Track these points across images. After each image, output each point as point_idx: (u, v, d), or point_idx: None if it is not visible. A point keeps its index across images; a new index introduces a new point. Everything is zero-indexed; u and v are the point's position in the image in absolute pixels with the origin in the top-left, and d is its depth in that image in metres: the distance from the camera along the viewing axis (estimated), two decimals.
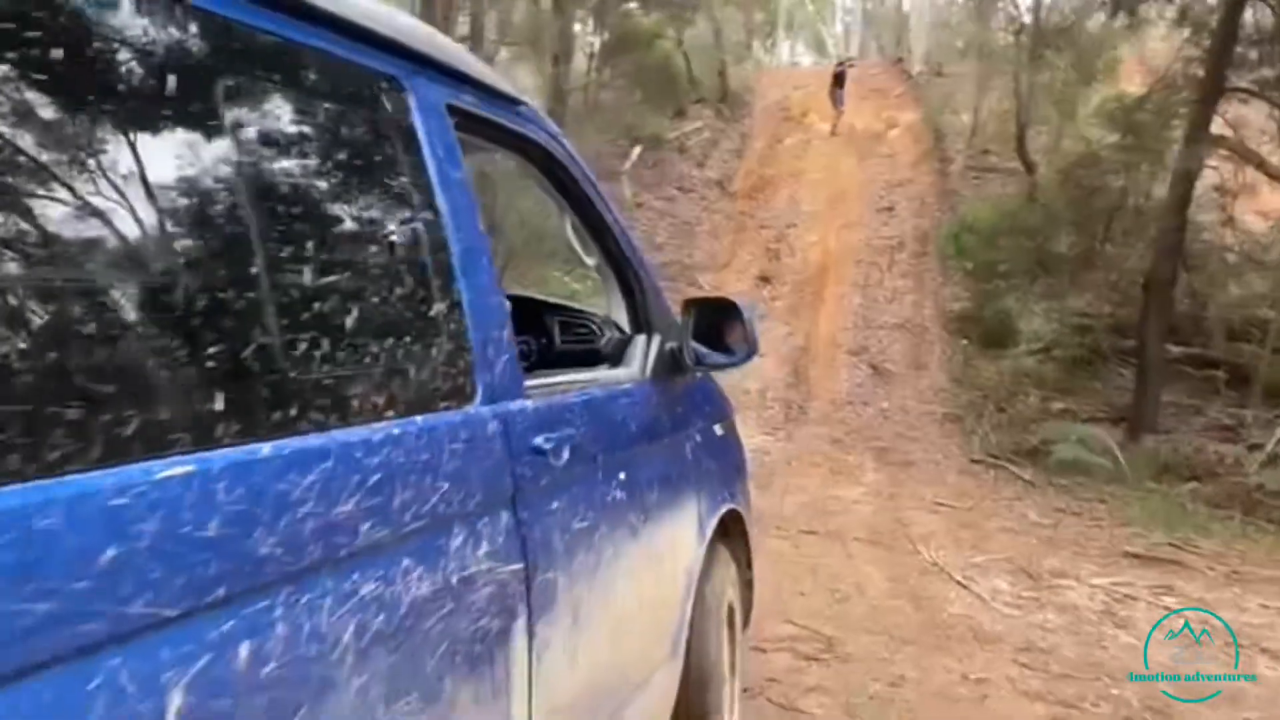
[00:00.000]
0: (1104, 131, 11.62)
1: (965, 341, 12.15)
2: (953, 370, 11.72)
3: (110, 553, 0.91)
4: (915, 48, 27.35)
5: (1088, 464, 8.71)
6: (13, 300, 0.91)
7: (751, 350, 2.72)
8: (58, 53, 0.99)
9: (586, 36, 18.83)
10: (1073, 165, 11.41)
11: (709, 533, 2.74)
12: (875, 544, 6.26)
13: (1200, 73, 10.16)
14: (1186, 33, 11.29)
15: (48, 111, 0.99)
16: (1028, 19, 15.60)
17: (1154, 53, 13.80)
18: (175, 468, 1.00)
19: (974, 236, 11.91)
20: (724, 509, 2.87)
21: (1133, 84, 13.77)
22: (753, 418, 9.75)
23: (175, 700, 0.95)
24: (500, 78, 2.07)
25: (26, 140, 0.95)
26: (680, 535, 2.57)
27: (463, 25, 11.73)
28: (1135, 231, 10.81)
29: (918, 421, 10.44)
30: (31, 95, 0.96)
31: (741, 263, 15.06)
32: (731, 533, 2.98)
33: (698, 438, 2.75)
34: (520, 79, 20.46)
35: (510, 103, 2.06)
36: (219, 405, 1.09)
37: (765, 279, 14.49)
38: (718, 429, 2.96)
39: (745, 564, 3.15)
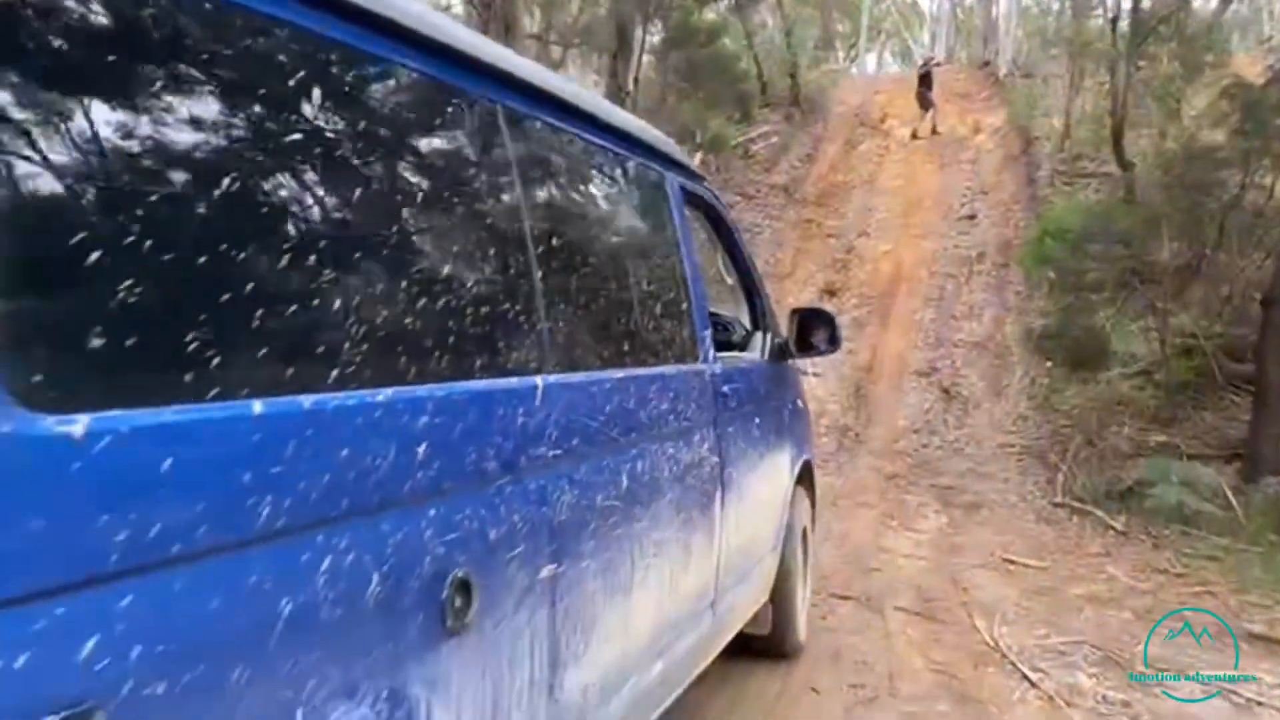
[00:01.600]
0: (1214, 126, 10.09)
1: (1050, 363, 10.68)
2: (1035, 395, 10.29)
3: (607, 407, 2.25)
4: (1003, 50, 25.82)
5: (1193, 511, 7.26)
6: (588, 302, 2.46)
7: (835, 346, 4.13)
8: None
9: (648, 34, 17.76)
10: (1180, 158, 9.86)
11: (796, 472, 4.12)
12: (923, 615, 5.06)
13: None
14: None
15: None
16: (1126, 4, 14.02)
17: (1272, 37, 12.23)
18: (619, 373, 2.39)
19: (1060, 244, 10.40)
20: (803, 458, 4.23)
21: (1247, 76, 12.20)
22: None
23: (625, 481, 2.27)
24: (695, 164, 3.81)
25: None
26: (782, 469, 3.94)
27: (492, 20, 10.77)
28: (1253, 237, 9.27)
29: (992, 455, 9.10)
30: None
31: (806, 273, 13.84)
32: (803, 478, 4.26)
33: (790, 405, 4.12)
34: (580, 79, 19.62)
35: (700, 179, 3.60)
36: (632, 346, 2.58)
37: (830, 291, 13.23)
38: (799, 402, 4.32)
39: (811, 500, 4.51)
